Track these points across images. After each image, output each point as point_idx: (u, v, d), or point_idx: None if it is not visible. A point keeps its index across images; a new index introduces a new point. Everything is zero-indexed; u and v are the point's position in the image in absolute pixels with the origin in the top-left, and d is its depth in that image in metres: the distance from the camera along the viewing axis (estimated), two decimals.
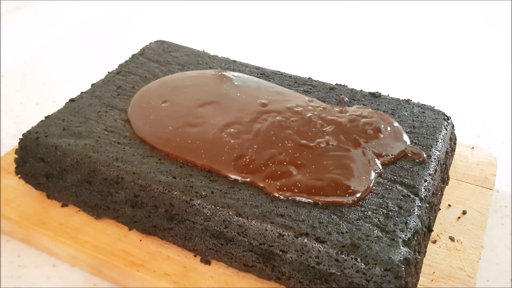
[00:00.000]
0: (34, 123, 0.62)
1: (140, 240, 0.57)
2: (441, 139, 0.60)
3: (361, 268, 0.45)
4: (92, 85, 0.69)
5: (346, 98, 0.66)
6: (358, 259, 0.45)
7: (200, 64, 0.73)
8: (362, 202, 0.51)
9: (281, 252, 0.49)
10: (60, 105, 0.66)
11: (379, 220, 0.49)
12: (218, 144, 0.57)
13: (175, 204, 0.52)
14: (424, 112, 0.64)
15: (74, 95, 0.67)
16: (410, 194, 0.52)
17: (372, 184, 0.53)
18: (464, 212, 0.60)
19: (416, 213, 0.50)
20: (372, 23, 1.15)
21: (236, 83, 0.68)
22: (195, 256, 0.55)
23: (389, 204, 0.51)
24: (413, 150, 0.57)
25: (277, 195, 0.52)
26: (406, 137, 0.59)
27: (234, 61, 0.75)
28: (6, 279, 0.57)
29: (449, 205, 0.61)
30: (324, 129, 0.59)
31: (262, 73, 0.72)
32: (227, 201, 0.51)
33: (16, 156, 0.61)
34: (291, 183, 0.52)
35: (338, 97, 0.66)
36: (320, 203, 0.51)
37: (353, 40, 1.08)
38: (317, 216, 0.49)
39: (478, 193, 0.63)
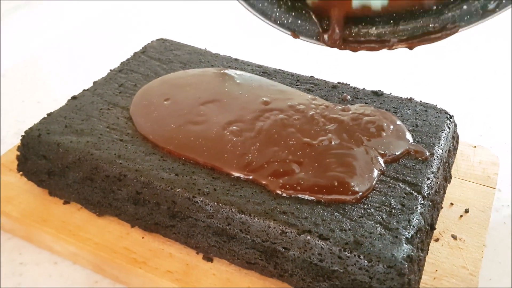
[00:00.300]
0: (35, 121, 0.62)
1: (142, 238, 0.57)
2: (444, 138, 0.60)
3: (364, 265, 0.45)
4: (94, 82, 0.69)
5: (349, 97, 0.66)
6: (361, 256, 0.45)
7: (202, 63, 0.73)
8: (365, 199, 0.51)
9: (283, 249, 0.49)
10: (61, 103, 0.65)
11: (382, 218, 0.49)
12: (220, 141, 0.57)
13: (177, 201, 0.52)
14: (426, 111, 0.64)
15: (75, 93, 0.67)
16: (413, 192, 0.52)
17: (375, 182, 0.53)
18: (466, 211, 0.60)
19: (419, 211, 0.50)
20: None
21: (238, 81, 0.68)
22: (197, 253, 0.55)
23: (392, 202, 0.51)
24: (416, 149, 0.57)
25: (279, 193, 0.52)
26: (408, 136, 0.59)
27: (236, 59, 0.75)
28: (7, 277, 0.57)
29: (452, 204, 0.61)
30: (327, 127, 0.59)
31: (264, 72, 0.71)
32: (230, 198, 0.51)
33: (18, 153, 0.61)
34: (294, 181, 0.52)
35: (341, 96, 0.66)
36: (323, 201, 0.51)
37: None
38: (320, 214, 0.49)
39: (480, 192, 0.63)
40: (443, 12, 0.46)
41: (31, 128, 0.60)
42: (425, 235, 0.51)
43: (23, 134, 0.60)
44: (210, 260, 0.54)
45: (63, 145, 0.57)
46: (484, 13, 0.44)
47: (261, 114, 0.61)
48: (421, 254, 0.49)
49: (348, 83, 0.69)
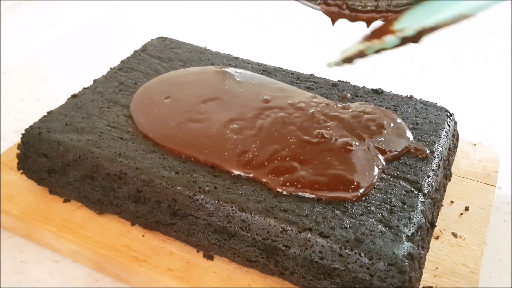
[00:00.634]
0: (35, 119, 0.62)
1: (143, 236, 0.57)
2: (444, 136, 0.60)
3: (364, 263, 0.45)
4: (94, 81, 0.69)
5: (349, 95, 0.66)
6: (362, 254, 0.45)
7: (202, 61, 0.73)
8: (366, 197, 0.51)
9: (284, 247, 0.49)
10: (61, 101, 0.65)
11: (382, 215, 0.49)
12: (221, 139, 0.57)
13: (178, 199, 0.52)
14: (426, 109, 0.64)
15: (75, 91, 0.67)
16: (414, 189, 0.52)
17: (375, 179, 0.53)
18: (466, 209, 0.60)
19: (419, 208, 0.50)
20: None
21: (238, 79, 0.68)
22: (198, 251, 0.55)
23: (393, 200, 0.51)
24: (416, 146, 0.57)
25: (280, 191, 0.52)
26: (409, 133, 0.59)
27: (236, 57, 0.75)
28: (8, 275, 0.57)
29: (452, 202, 0.61)
30: (327, 125, 0.59)
31: (264, 70, 0.71)
32: (230, 196, 0.51)
33: (18, 151, 0.61)
34: (294, 179, 0.52)
35: (341, 94, 0.66)
36: (323, 199, 0.51)
37: (355, 37, 1.08)
38: (320, 211, 0.49)
39: (480, 190, 0.63)
40: None
41: (31, 126, 0.60)
42: (425, 232, 0.51)
43: (23, 132, 0.60)
44: (210, 258, 0.54)
45: (64, 143, 0.57)
46: None
47: (261, 112, 0.61)
48: (422, 252, 0.49)
49: (348, 81, 0.69)
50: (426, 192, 0.52)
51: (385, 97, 0.66)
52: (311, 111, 0.61)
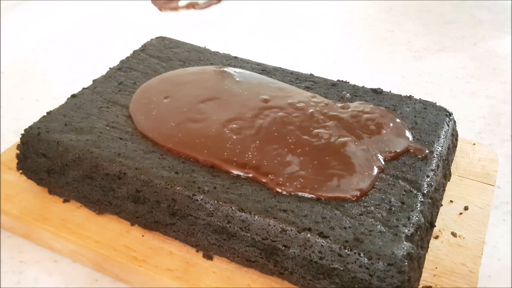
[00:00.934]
0: (35, 119, 0.61)
1: (142, 236, 0.57)
2: (443, 135, 0.60)
3: (364, 263, 0.45)
4: (94, 81, 0.69)
5: (348, 94, 0.66)
6: (361, 254, 0.45)
7: (201, 60, 0.73)
8: (365, 197, 0.51)
9: (284, 247, 0.49)
10: (61, 101, 0.65)
11: (382, 215, 0.49)
12: (220, 139, 0.57)
13: (177, 199, 0.52)
14: (426, 108, 0.64)
15: (74, 91, 0.67)
16: (413, 189, 0.52)
17: (374, 179, 0.53)
18: (466, 208, 0.60)
19: (418, 208, 0.50)
20: (374, 19, 1.15)
21: (237, 79, 0.68)
22: (197, 251, 0.55)
23: (392, 200, 0.51)
24: (416, 146, 0.57)
25: (279, 191, 0.52)
26: (408, 133, 0.59)
27: (235, 57, 0.75)
28: (7, 275, 0.57)
29: (451, 201, 0.61)
30: (326, 124, 0.59)
31: (264, 70, 0.71)
32: (230, 196, 0.51)
33: (18, 151, 0.61)
34: (294, 178, 0.52)
35: (340, 93, 0.66)
36: (322, 199, 0.51)
37: (355, 37, 1.08)
38: (320, 211, 0.49)
39: (479, 189, 0.63)
40: None
41: (30, 127, 0.60)
42: (425, 232, 0.51)
43: (23, 132, 0.60)
44: (210, 258, 0.54)
45: (63, 143, 0.57)
46: None
47: (260, 112, 0.61)
48: (421, 252, 0.49)
49: (347, 81, 0.69)
50: (425, 192, 0.52)
51: (384, 96, 0.66)
52: (310, 110, 0.61)
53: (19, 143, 0.60)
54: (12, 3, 1.17)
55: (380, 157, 0.56)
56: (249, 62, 0.73)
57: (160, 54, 0.74)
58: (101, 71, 0.71)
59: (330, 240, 0.46)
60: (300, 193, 0.51)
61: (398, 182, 0.53)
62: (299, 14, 1.18)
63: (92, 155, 0.56)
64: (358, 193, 0.51)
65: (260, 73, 0.70)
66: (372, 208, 0.50)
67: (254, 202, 0.50)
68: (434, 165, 0.56)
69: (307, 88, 0.67)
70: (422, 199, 0.52)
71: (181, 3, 0.52)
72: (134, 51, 0.75)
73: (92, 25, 1.11)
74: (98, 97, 0.65)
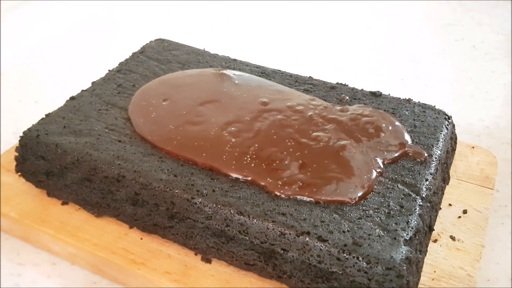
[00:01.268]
0: (33, 121, 0.61)
1: (141, 239, 0.56)
2: (442, 139, 0.60)
3: (362, 267, 0.45)
4: (93, 83, 0.69)
5: (347, 97, 0.66)
6: (360, 258, 0.45)
7: (201, 63, 0.73)
8: (364, 201, 0.51)
9: (282, 251, 0.49)
10: (60, 103, 0.65)
11: (380, 219, 0.49)
12: (219, 142, 0.57)
13: (176, 202, 0.52)
14: (425, 112, 0.64)
15: (73, 93, 0.67)
16: (412, 193, 0.52)
17: (373, 183, 0.53)
18: (464, 212, 0.60)
19: (417, 212, 0.50)
20: (373, 22, 1.15)
21: (236, 81, 0.68)
22: (195, 254, 0.55)
23: (391, 203, 0.51)
24: (414, 149, 0.57)
25: (278, 194, 0.52)
26: (407, 136, 0.59)
27: (234, 59, 0.74)
28: (6, 277, 0.57)
29: (450, 204, 0.61)
30: (325, 127, 0.59)
31: (263, 72, 0.71)
32: (228, 200, 0.51)
33: (16, 154, 0.60)
34: (293, 182, 0.52)
35: (339, 96, 0.66)
36: (321, 202, 0.51)
37: (354, 39, 1.08)
38: (318, 215, 0.49)
39: (478, 193, 0.63)
40: None
41: (29, 129, 0.60)
42: (423, 236, 0.51)
43: (22, 134, 0.59)
44: (208, 261, 0.54)
45: (62, 145, 0.57)
46: None
47: (259, 115, 0.61)
48: (420, 256, 0.49)
49: (346, 84, 0.69)
50: (424, 195, 0.52)
51: (383, 99, 0.66)
52: (309, 113, 0.61)
53: (18, 145, 0.60)
54: (11, 4, 1.17)
55: (379, 161, 0.56)
56: (248, 65, 0.73)
57: (159, 56, 0.74)
58: (100, 73, 0.71)
59: (329, 244, 0.46)
60: (298, 197, 0.51)
61: (397, 185, 0.53)
62: (298, 17, 1.18)
63: (90, 158, 0.56)
64: (357, 197, 0.51)
65: (259, 76, 0.70)
66: (371, 211, 0.50)
67: (252, 206, 0.50)
68: (433, 168, 0.56)
69: (306, 91, 0.67)
70: (421, 203, 0.52)
71: None
72: (133, 53, 0.75)
73: (91, 27, 1.11)
74: (97, 99, 0.65)
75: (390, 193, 0.52)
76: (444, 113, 0.64)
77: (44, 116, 0.62)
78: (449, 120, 0.64)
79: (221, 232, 0.51)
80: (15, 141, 0.63)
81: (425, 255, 0.52)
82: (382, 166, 0.55)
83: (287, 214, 0.49)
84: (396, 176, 0.54)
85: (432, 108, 0.65)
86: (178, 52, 0.76)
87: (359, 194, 0.51)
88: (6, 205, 0.60)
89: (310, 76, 0.71)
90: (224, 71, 0.70)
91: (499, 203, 0.67)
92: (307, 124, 0.60)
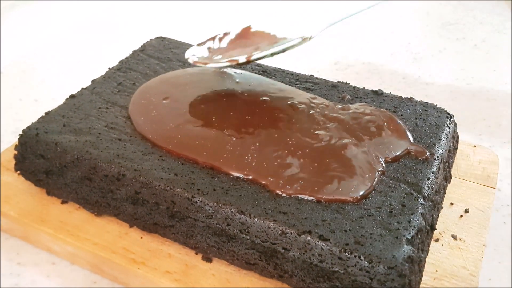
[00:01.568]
0: (33, 120, 0.61)
1: (141, 238, 0.56)
2: (444, 137, 0.60)
3: (364, 266, 0.45)
4: (93, 81, 0.68)
5: (348, 96, 0.66)
6: (362, 257, 0.45)
7: None
8: (365, 200, 0.51)
9: (283, 250, 0.48)
10: (59, 102, 0.65)
11: (382, 218, 0.49)
12: (220, 141, 0.57)
13: (176, 201, 0.52)
14: (426, 110, 0.64)
15: (73, 91, 0.66)
16: (414, 192, 0.52)
17: (375, 182, 0.53)
18: (466, 211, 0.60)
19: (419, 211, 0.50)
20: (374, 21, 1.15)
21: (237, 80, 0.68)
22: (196, 253, 0.55)
23: (393, 202, 0.51)
24: (416, 148, 0.57)
25: (279, 193, 0.51)
26: (409, 135, 0.59)
27: None
28: (5, 277, 0.56)
29: (452, 204, 0.61)
30: (327, 126, 0.59)
31: (264, 70, 0.71)
32: (229, 199, 0.51)
33: (16, 152, 0.60)
34: (294, 181, 0.52)
35: (340, 95, 0.66)
36: (323, 201, 0.50)
37: (355, 39, 1.08)
38: (320, 214, 0.49)
39: (480, 192, 0.63)
40: None
41: (29, 127, 0.60)
42: (425, 235, 0.51)
43: (21, 133, 0.59)
44: (209, 260, 0.54)
45: (61, 144, 0.57)
46: None
47: (260, 113, 0.61)
48: (422, 255, 0.49)
49: (348, 82, 0.69)
50: (426, 194, 0.52)
51: (385, 98, 0.66)
52: (310, 112, 0.61)
53: (17, 143, 0.60)
54: (11, 3, 1.16)
55: (381, 159, 0.56)
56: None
57: (160, 55, 0.74)
58: (100, 71, 0.71)
59: (330, 243, 0.46)
60: (300, 196, 0.51)
61: (399, 184, 0.53)
62: (299, 15, 1.17)
63: (90, 156, 0.55)
64: (358, 196, 0.51)
65: (260, 74, 0.70)
66: (373, 210, 0.50)
67: (253, 205, 0.50)
68: (435, 167, 0.56)
69: (307, 90, 0.67)
70: (423, 202, 0.51)
71: None
72: (134, 52, 0.75)
73: (92, 25, 1.11)
74: (97, 97, 0.65)
75: (392, 192, 0.52)
76: (446, 112, 0.64)
77: (43, 115, 0.62)
78: (451, 119, 0.63)
79: (222, 231, 0.51)
80: (15, 140, 0.62)
81: (427, 254, 0.52)
82: (384, 164, 0.55)
83: (288, 213, 0.49)
84: (398, 175, 0.54)
85: (434, 107, 0.65)
86: (178, 50, 0.75)
87: (361, 193, 0.51)
88: (5, 204, 0.60)
89: (311, 75, 0.71)
90: (225, 70, 0.70)
91: (501, 202, 0.67)
92: (308, 123, 0.60)
